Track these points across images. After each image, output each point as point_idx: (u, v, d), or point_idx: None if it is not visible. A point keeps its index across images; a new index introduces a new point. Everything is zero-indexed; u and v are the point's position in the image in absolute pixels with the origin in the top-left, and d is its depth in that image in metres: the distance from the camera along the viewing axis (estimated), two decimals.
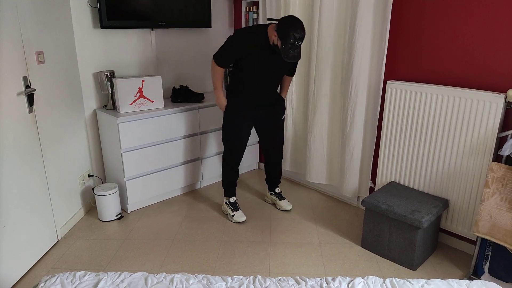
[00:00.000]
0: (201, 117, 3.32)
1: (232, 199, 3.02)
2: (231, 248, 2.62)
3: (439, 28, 2.42)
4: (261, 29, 2.53)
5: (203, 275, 1.70)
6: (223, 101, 2.77)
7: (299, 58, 2.42)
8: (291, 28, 2.30)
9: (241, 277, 1.70)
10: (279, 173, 3.15)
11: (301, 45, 2.32)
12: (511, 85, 2.19)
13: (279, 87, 2.91)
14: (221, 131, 3.52)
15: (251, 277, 1.69)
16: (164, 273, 1.71)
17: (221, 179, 3.68)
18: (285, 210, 3.11)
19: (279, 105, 2.89)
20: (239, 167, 2.99)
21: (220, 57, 2.64)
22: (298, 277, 1.70)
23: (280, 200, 3.15)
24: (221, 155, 3.56)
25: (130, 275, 1.69)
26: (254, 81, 2.67)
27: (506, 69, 2.20)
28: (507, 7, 2.13)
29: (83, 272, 1.70)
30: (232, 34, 2.62)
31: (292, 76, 2.92)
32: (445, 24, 2.39)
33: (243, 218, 2.93)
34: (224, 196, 3.06)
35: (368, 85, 2.81)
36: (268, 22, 2.62)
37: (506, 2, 2.13)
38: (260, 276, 1.70)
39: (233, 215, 2.96)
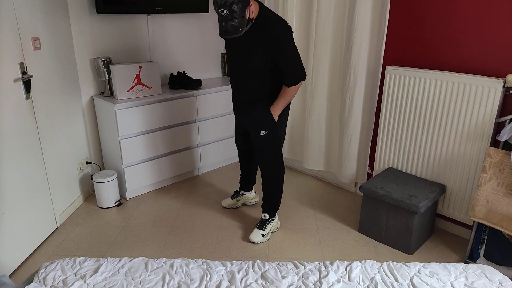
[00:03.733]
0: (199, 104, 3.30)
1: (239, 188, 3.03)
2: (230, 233, 2.64)
3: (439, 12, 2.41)
4: None
5: (202, 260, 1.72)
6: None
7: (232, 34, 2.03)
8: None
9: (240, 261, 1.72)
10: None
11: (235, 17, 1.97)
12: (510, 70, 2.19)
13: (262, 91, 2.37)
14: (218, 118, 3.52)
15: (250, 261, 1.71)
16: (164, 258, 1.73)
17: (219, 167, 3.71)
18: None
19: (256, 116, 2.37)
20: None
21: None
22: (296, 261, 1.72)
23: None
24: (219, 142, 3.57)
25: (130, 260, 1.70)
26: (230, 72, 2.47)
27: (505, 54, 2.20)
28: None
29: (83, 258, 1.71)
30: None
31: (288, 86, 2.26)
32: (445, 9, 2.38)
33: (224, 204, 2.97)
34: None
35: (367, 70, 2.79)
36: None
37: None
38: (260, 260, 1.72)
39: None
